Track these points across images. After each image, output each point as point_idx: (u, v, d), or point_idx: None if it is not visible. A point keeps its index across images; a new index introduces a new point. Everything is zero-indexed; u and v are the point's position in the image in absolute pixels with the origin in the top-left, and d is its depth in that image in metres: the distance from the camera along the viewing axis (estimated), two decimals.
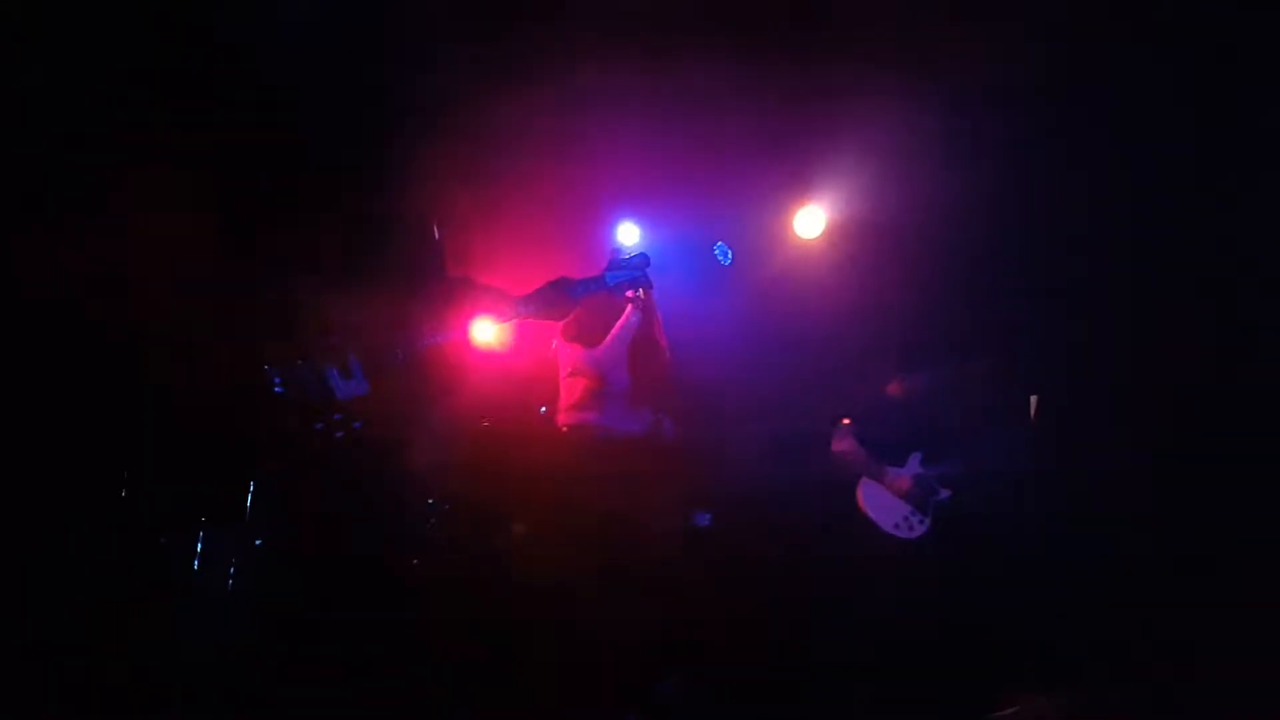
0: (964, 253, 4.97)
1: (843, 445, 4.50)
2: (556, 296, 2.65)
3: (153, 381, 3.43)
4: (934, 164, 4.77)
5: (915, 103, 4.60)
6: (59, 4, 2.96)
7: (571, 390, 3.86)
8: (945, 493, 4.42)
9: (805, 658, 4.14)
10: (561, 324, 3.88)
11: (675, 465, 3.92)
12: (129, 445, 3.48)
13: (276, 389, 2.25)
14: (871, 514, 4.39)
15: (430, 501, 4.03)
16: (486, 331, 4.01)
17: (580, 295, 2.72)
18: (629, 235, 5.29)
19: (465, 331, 2.70)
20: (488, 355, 4.70)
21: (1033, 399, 4.46)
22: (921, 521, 4.38)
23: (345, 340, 2.25)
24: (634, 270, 2.83)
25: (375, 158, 2.88)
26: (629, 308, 3.82)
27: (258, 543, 3.38)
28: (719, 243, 3.81)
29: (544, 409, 4.66)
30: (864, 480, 4.45)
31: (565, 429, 3.84)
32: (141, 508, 3.43)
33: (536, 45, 4.28)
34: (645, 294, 3.82)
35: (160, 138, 3.32)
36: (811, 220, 5.38)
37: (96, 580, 3.23)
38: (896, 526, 4.37)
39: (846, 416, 4.56)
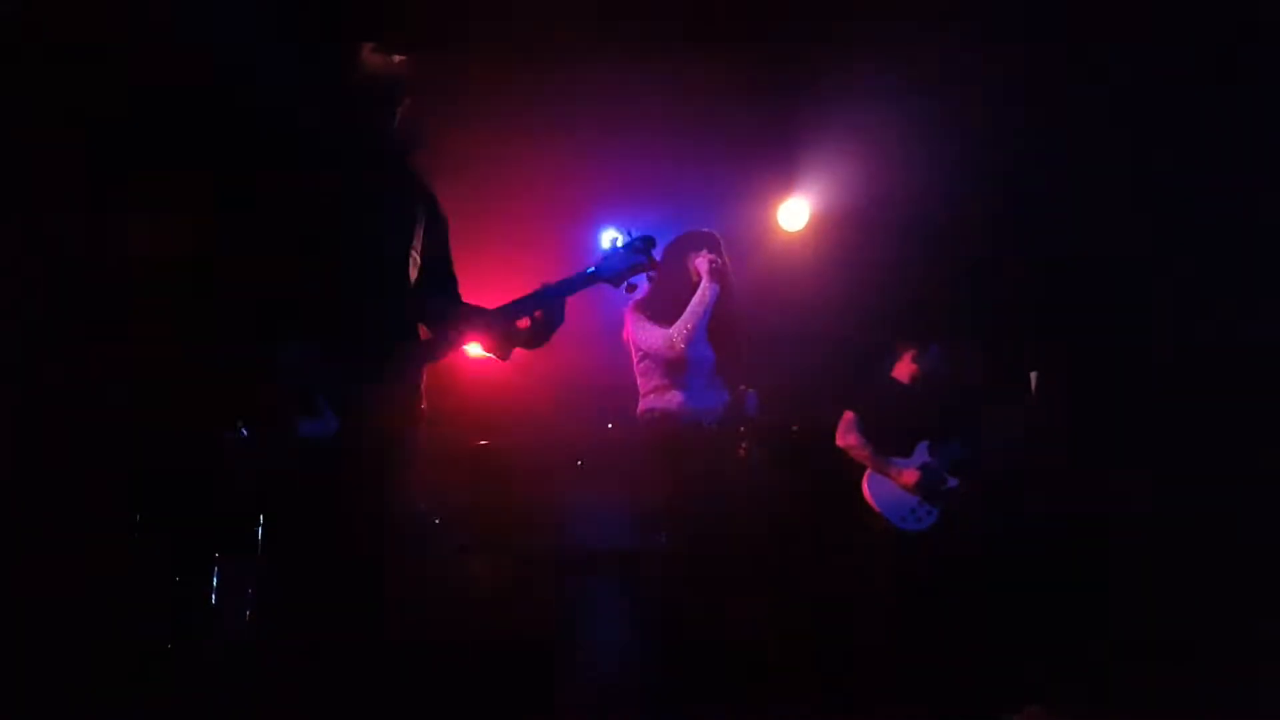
0: (952, 236, 4.97)
1: (848, 439, 4.43)
2: (539, 306, 2.36)
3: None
4: (917, 151, 4.76)
5: (895, 91, 4.60)
6: None
7: (649, 374, 3.70)
8: (953, 481, 4.36)
9: (818, 652, 4.13)
10: (630, 307, 3.70)
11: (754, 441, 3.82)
12: (136, 485, 3.48)
13: (243, 435, 2.18)
14: (879, 508, 4.32)
15: (435, 521, 4.00)
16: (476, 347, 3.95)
17: (566, 296, 2.39)
18: (611, 241, 5.25)
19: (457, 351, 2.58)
20: (481, 366, 4.68)
21: (1033, 375, 4.43)
22: (930, 512, 4.31)
23: (309, 380, 2.17)
24: (637, 256, 2.47)
25: None
26: (704, 280, 3.62)
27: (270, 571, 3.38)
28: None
29: (610, 425, 4.61)
30: (869, 474, 4.38)
31: (644, 417, 3.69)
32: (153, 545, 3.43)
33: (512, 47, 4.24)
34: (722, 263, 3.67)
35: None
36: (796, 213, 5.36)
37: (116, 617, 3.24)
38: (904, 519, 4.29)
39: (848, 409, 4.49)
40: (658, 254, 2.68)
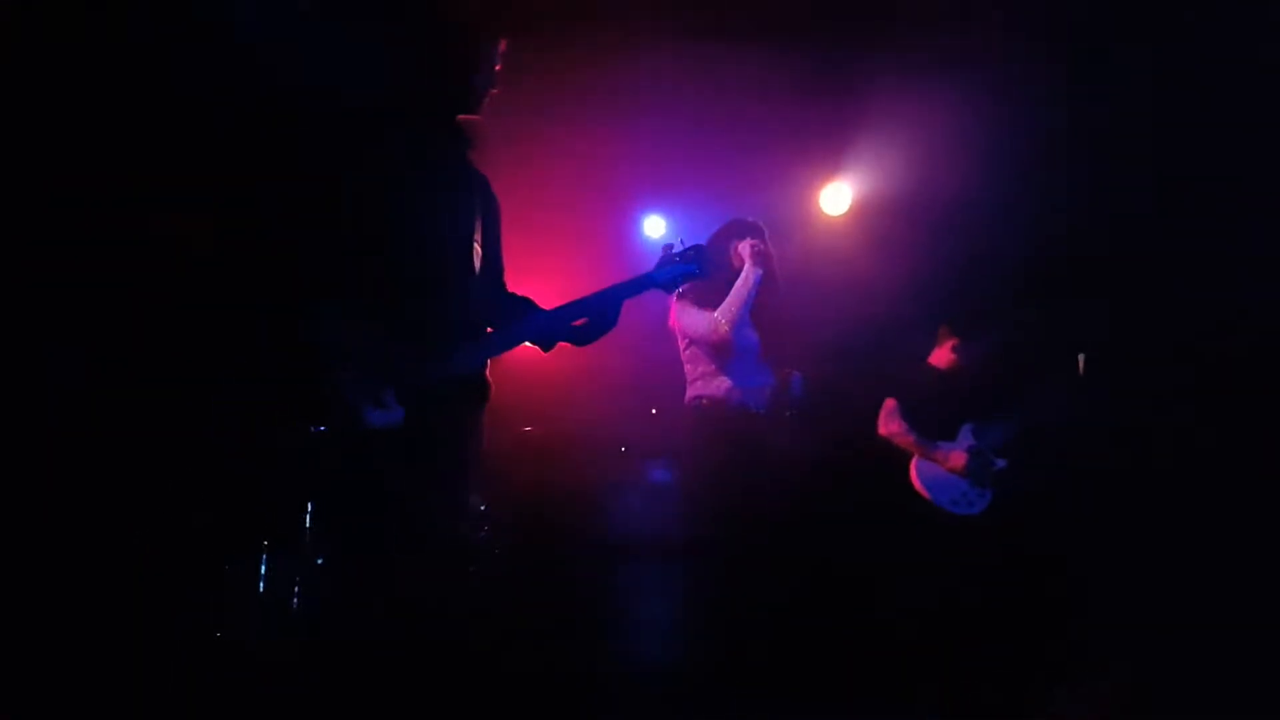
0: (990, 224, 4.92)
1: (891, 427, 4.41)
2: (597, 309, 2.42)
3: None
4: (960, 139, 4.72)
5: (939, 79, 4.56)
6: None
7: (695, 360, 3.74)
8: (1002, 462, 4.33)
9: (871, 639, 4.11)
10: (675, 293, 3.80)
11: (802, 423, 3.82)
12: (188, 475, 3.56)
13: (314, 426, 2.22)
14: (928, 493, 4.29)
15: (482, 509, 4.03)
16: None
17: (621, 301, 2.46)
18: (655, 227, 5.26)
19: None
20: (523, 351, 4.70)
21: (1080, 356, 4.39)
22: (981, 495, 4.28)
23: (376, 369, 2.19)
24: (689, 265, 2.59)
25: None
26: (748, 264, 3.66)
27: (319, 561, 3.44)
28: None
29: (654, 410, 4.62)
30: (917, 460, 4.36)
31: (692, 403, 3.72)
32: (204, 534, 3.50)
33: (559, 39, 4.24)
34: (765, 248, 3.69)
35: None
36: (838, 197, 5.33)
37: (161, 605, 3.31)
38: (955, 503, 4.27)
39: (890, 396, 4.47)
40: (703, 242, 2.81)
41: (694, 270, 2.60)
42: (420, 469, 2.21)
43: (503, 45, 2.36)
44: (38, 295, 3.25)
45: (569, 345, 2.52)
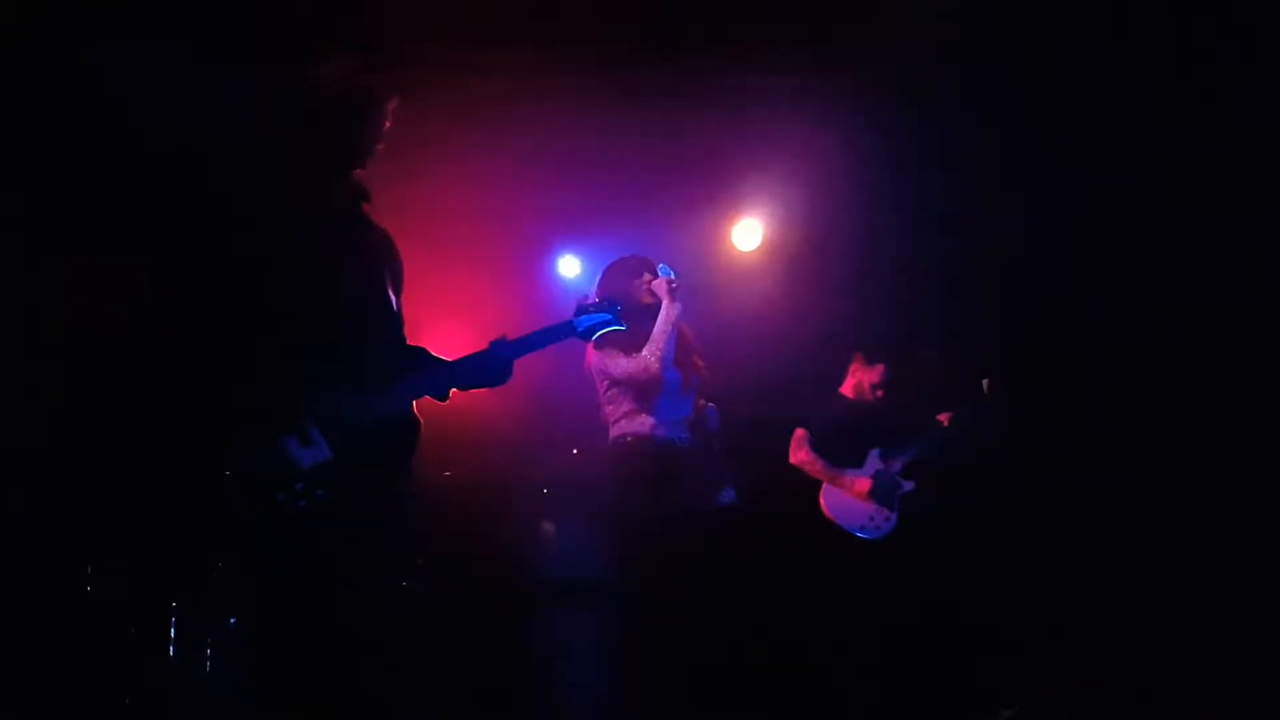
0: (899, 252, 5.08)
1: (800, 455, 4.52)
2: (497, 364, 2.40)
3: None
4: (863, 170, 4.87)
5: (840, 112, 4.71)
6: None
7: (617, 401, 3.74)
8: (908, 484, 4.45)
9: (789, 665, 4.17)
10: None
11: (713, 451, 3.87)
12: (93, 533, 3.44)
13: (238, 466, 2.19)
14: (837, 519, 4.41)
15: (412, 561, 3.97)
16: None
17: (534, 350, 2.49)
18: (570, 267, 5.30)
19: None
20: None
21: (984, 381, 4.54)
22: (888, 518, 4.41)
23: (301, 407, 2.18)
24: (606, 315, 2.69)
25: None
26: (666, 300, 3.68)
27: (230, 621, 3.35)
28: (661, 264, 3.78)
29: (576, 450, 4.63)
30: (825, 487, 4.47)
31: (617, 443, 3.72)
32: (110, 597, 3.39)
33: (467, 79, 4.27)
34: (679, 283, 3.73)
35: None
36: (749, 233, 5.45)
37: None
38: (863, 528, 4.39)
39: (799, 426, 4.57)
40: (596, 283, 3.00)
41: (610, 319, 2.69)
42: (349, 513, 2.21)
43: (392, 104, 2.36)
44: None
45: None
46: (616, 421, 3.74)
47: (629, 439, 3.69)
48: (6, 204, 3.29)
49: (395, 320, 2.43)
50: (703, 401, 3.83)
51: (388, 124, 2.37)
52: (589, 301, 2.73)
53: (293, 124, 2.34)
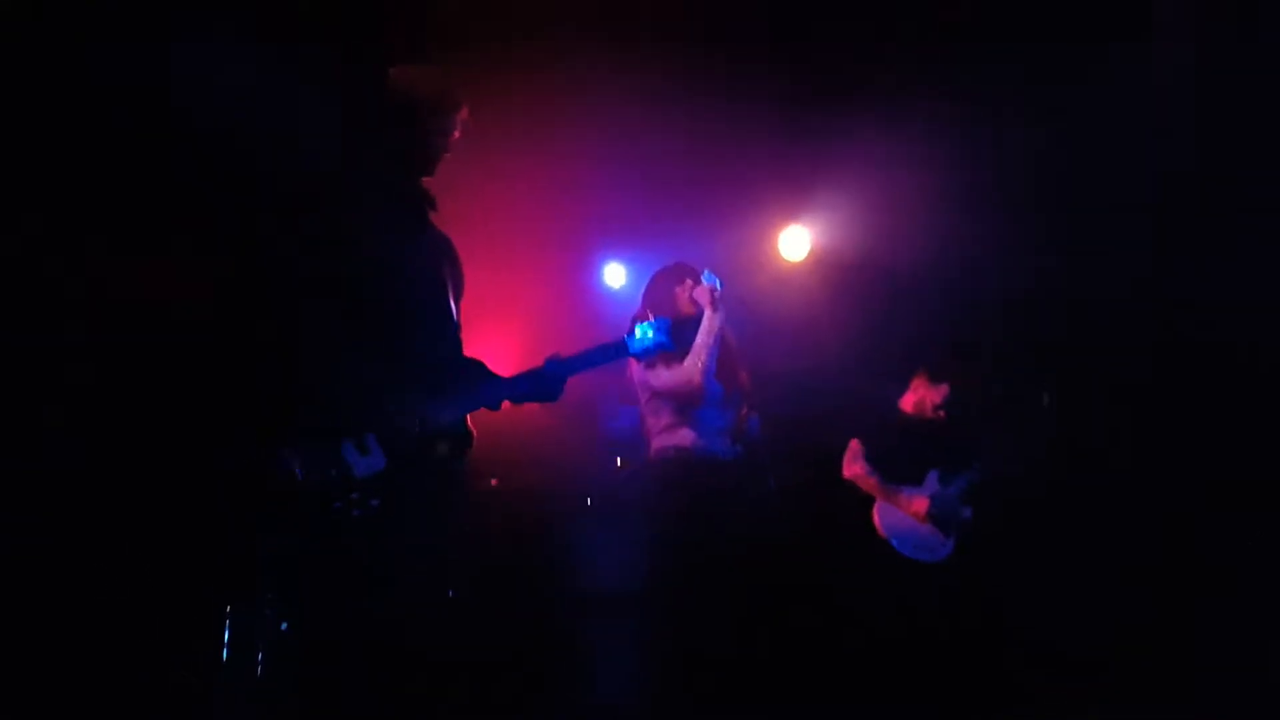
0: (957, 265, 4.98)
1: (855, 469, 4.40)
2: (551, 381, 2.44)
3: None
4: (923, 186, 4.80)
5: (902, 126, 4.64)
6: None
7: (658, 413, 3.71)
8: (968, 511, 4.31)
9: (827, 682, 4.10)
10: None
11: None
12: (141, 534, 3.46)
13: (296, 472, 2.20)
14: (891, 538, 4.28)
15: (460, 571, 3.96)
16: None
17: (587, 369, 2.53)
18: (615, 276, 5.27)
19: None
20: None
21: (1044, 396, 4.44)
22: (944, 543, 4.27)
23: (360, 416, 2.20)
24: (662, 339, 2.66)
25: None
26: (708, 309, 3.63)
27: (283, 626, 3.34)
28: (705, 271, 3.73)
29: (620, 460, 4.61)
30: (879, 504, 4.35)
31: (659, 455, 3.69)
32: (160, 594, 3.41)
33: (513, 86, 4.26)
34: (722, 291, 3.68)
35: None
36: (797, 241, 5.38)
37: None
38: (917, 549, 4.25)
39: (855, 438, 4.47)
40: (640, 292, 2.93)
41: (666, 342, 2.66)
42: (400, 523, 2.22)
43: (464, 112, 2.41)
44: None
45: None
46: (658, 434, 3.72)
47: (669, 451, 3.66)
48: (88, 200, 3.32)
49: (456, 329, 2.46)
50: (745, 410, 3.78)
51: (457, 134, 2.42)
52: (640, 319, 2.74)
53: (375, 129, 2.39)
